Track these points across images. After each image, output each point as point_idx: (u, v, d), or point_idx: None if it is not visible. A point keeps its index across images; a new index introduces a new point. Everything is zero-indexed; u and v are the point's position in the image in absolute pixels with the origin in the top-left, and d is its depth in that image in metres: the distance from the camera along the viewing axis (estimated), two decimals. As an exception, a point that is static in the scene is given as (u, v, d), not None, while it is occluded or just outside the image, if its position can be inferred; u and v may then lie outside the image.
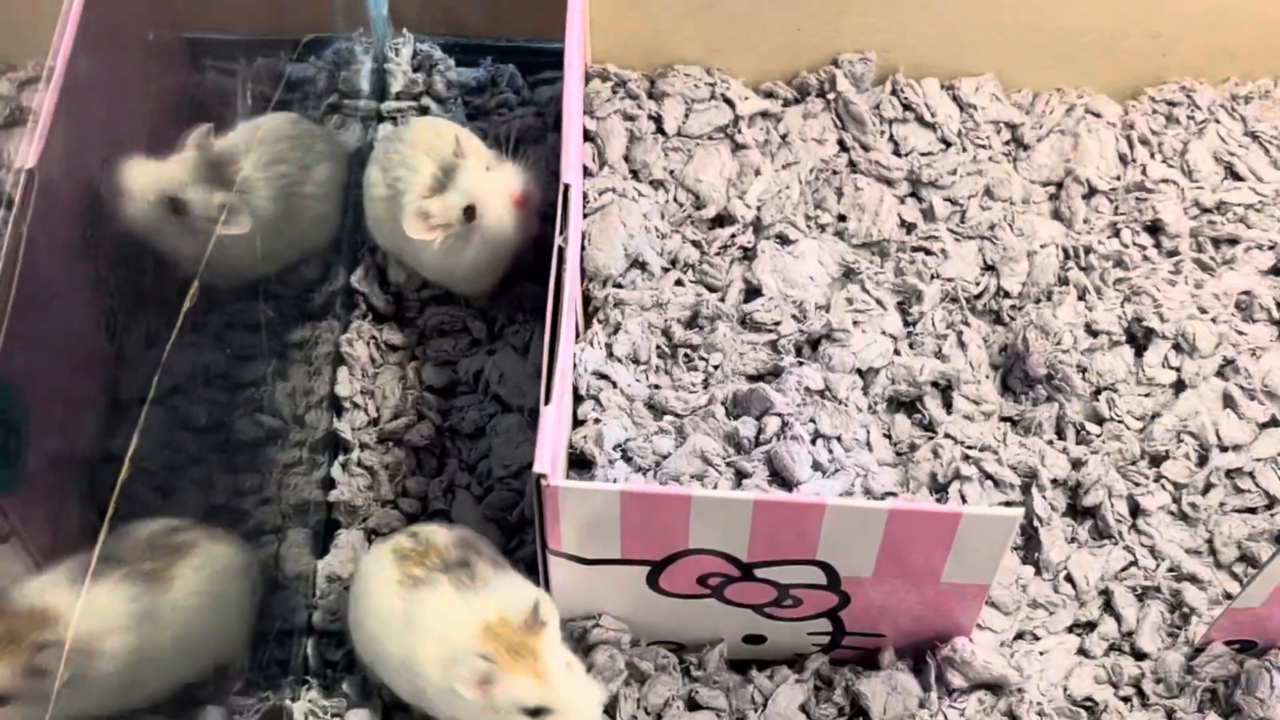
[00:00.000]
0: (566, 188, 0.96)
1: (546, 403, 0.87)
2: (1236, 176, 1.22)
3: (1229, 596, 1.01)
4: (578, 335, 1.11)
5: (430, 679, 0.93)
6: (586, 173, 1.18)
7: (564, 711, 0.91)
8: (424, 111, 1.29)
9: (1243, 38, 1.24)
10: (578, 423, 1.06)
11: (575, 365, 1.07)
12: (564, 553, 0.91)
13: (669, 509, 0.87)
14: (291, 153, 1.10)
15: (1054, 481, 1.07)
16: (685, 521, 0.87)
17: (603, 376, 1.08)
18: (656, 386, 1.09)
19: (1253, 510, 1.07)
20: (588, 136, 1.20)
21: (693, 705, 0.99)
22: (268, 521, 1.03)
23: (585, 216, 1.14)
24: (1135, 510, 1.07)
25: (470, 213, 1.09)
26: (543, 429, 0.86)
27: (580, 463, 1.04)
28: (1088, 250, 1.17)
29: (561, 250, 0.93)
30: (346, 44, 1.25)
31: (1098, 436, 1.09)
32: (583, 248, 1.12)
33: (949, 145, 1.24)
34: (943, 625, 0.98)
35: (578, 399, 1.08)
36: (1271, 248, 1.18)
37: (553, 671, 0.90)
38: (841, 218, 1.20)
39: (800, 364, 1.09)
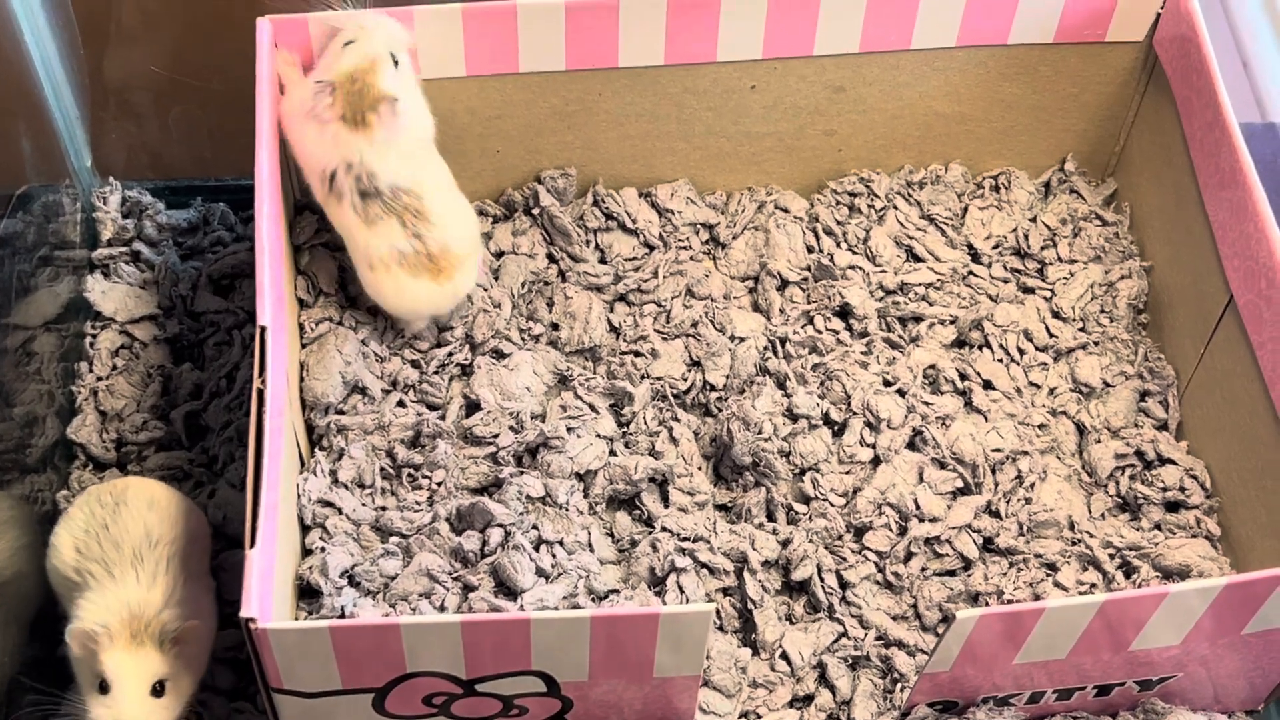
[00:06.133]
0: (263, 330, 0.97)
1: (251, 546, 0.88)
2: (916, 258, 1.25)
3: (934, 658, 1.05)
4: (302, 465, 1.11)
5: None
6: (302, 304, 1.17)
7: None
8: (135, 256, 1.27)
9: (910, 129, 1.27)
10: (307, 552, 1.06)
11: (300, 495, 1.07)
12: (286, 690, 0.91)
13: (380, 638, 0.87)
14: None
15: (765, 563, 1.09)
16: (399, 648, 0.88)
17: (328, 504, 1.08)
18: (383, 508, 1.09)
19: (951, 573, 1.11)
20: (300, 269, 1.19)
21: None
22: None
23: (304, 347, 1.15)
24: (843, 583, 1.09)
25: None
26: (248, 573, 0.86)
27: (310, 592, 1.03)
28: (784, 340, 1.20)
29: (261, 393, 0.94)
30: (54, 196, 1.23)
31: (804, 516, 1.12)
32: (301, 379, 1.13)
33: (652, 249, 1.26)
34: (665, 715, 0.99)
35: (305, 529, 1.07)
36: (953, 322, 1.22)
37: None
38: (554, 326, 1.21)
39: (520, 473, 1.10)
